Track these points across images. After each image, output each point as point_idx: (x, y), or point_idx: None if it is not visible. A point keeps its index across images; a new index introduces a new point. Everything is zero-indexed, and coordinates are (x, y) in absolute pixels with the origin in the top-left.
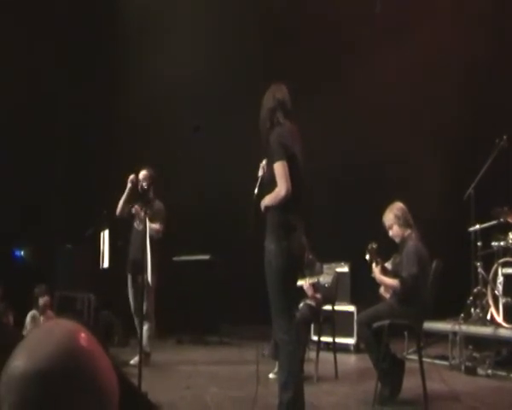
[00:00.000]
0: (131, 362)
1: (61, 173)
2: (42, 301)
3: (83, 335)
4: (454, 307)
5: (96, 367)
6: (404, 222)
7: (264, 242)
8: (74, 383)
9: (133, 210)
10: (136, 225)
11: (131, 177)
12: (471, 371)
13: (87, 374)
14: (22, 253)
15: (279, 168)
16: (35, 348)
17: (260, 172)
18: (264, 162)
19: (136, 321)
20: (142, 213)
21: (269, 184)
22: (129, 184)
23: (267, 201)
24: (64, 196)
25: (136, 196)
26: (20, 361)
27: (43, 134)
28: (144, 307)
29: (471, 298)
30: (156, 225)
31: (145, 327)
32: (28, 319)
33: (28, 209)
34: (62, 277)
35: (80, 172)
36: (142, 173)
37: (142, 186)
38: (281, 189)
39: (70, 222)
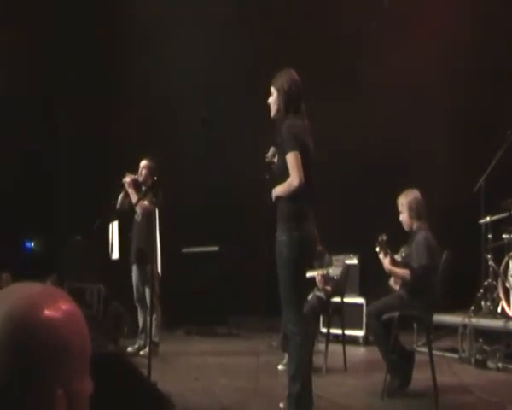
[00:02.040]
0: (141, 353)
1: (69, 164)
2: None
3: (47, 303)
4: (464, 299)
5: (49, 339)
6: (415, 214)
7: (276, 233)
8: (20, 355)
9: (126, 181)
10: (136, 216)
11: (126, 178)
12: (481, 364)
13: (36, 345)
14: (32, 244)
15: (292, 159)
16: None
17: (270, 153)
18: (269, 153)
19: (139, 311)
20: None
21: (280, 174)
22: (127, 180)
23: (279, 191)
24: (73, 187)
25: (140, 191)
26: None
27: (50, 126)
28: (151, 297)
29: (481, 291)
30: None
31: (153, 317)
32: None
33: (38, 201)
34: (72, 268)
35: (89, 163)
36: (142, 164)
37: (143, 178)
38: (293, 179)
39: (79, 213)
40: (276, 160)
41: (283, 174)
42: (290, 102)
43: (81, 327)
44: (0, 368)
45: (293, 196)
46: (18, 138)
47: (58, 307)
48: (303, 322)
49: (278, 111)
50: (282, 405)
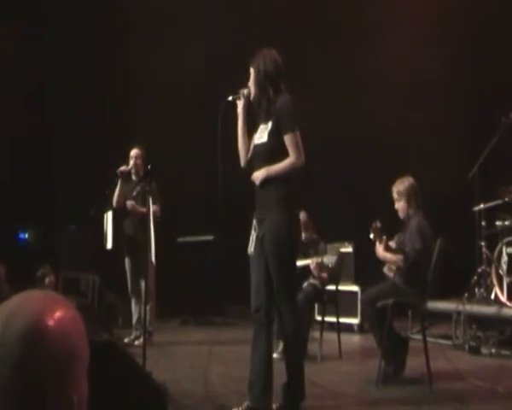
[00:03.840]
0: (136, 343)
1: (64, 154)
2: (48, 280)
3: (53, 312)
4: (458, 286)
5: (58, 348)
6: (412, 201)
7: (259, 214)
8: (30, 362)
9: (128, 206)
10: (129, 204)
11: (121, 168)
12: (475, 351)
13: (45, 355)
14: (27, 235)
15: (294, 138)
16: (5, 320)
17: (245, 91)
18: (245, 90)
19: (133, 302)
20: (139, 207)
21: (269, 154)
22: (120, 174)
23: (276, 170)
24: (67, 176)
25: (130, 181)
26: None
27: (45, 116)
28: (147, 287)
29: (475, 278)
30: (153, 207)
31: (147, 307)
32: None
33: (32, 191)
34: (66, 258)
35: (82, 152)
36: (133, 152)
37: (135, 167)
38: (297, 159)
39: (73, 203)
40: (241, 102)
41: (274, 154)
42: (268, 81)
43: (82, 330)
44: (15, 384)
45: (289, 178)
46: (12, 126)
47: (62, 315)
48: (296, 303)
49: (256, 91)
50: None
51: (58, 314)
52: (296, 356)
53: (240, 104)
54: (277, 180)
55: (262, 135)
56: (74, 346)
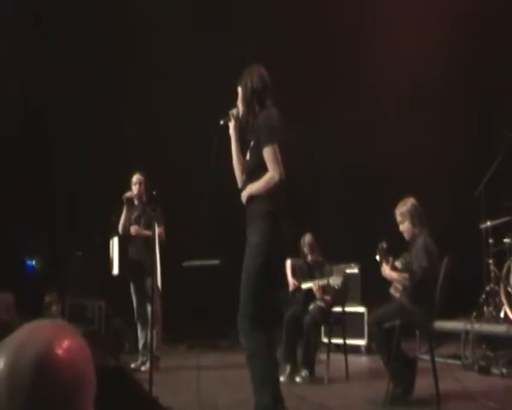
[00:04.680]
0: (142, 368)
1: (69, 180)
2: (55, 308)
3: (62, 342)
4: (466, 305)
5: (67, 377)
6: (416, 220)
7: (247, 233)
8: (40, 392)
9: (133, 231)
10: (133, 229)
11: (126, 194)
12: (485, 371)
13: (55, 384)
14: (34, 262)
15: (271, 152)
16: (16, 350)
17: (234, 111)
18: (234, 111)
19: (139, 327)
20: (143, 230)
21: (252, 171)
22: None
23: (255, 188)
24: (73, 204)
25: (133, 207)
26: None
27: (48, 140)
28: (153, 312)
29: (483, 296)
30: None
31: (154, 331)
32: None
33: (38, 219)
34: (73, 284)
35: (88, 179)
36: (135, 178)
37: (137, 193)
38: (274, 174)
39: (80, 230)
40: (232, 124)
41: (257, 170)
42: (254, 96)
43: (90, 358)
44: None
45: (271, 193)
46: (16, 151)
47: (70, 344)
48: (258, 333)
49: (244, 109)
50: None
51: (66, 343)
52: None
53: (231, 125)
54: (259, 198)
55: (249, 153)
56: (82, 374)
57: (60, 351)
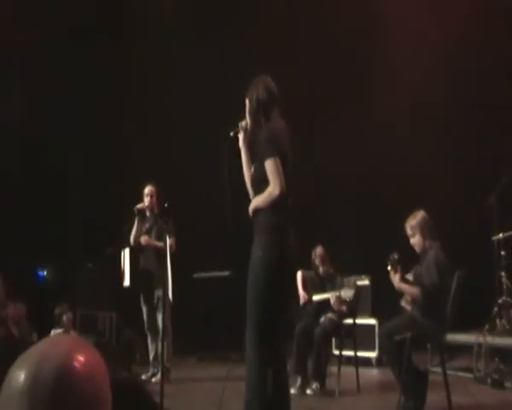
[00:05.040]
0: (153, 380)
1: (81, 192)
2: (65, 318)
3: (80, 356)
4: (478, 318)
5: (85, 391)
6: (427, 233)
7: (252, 246)
8: (60, 404)
9: (142, 241)
10: (142, 239)
11: (138, 206)
12: (497, 384)
13: (74, 397)
14: (45, 273)
15: (272, 165)
16: (36, 364)
17: (243, 123)
18: (243, 123)
19: (150, 338)
20: (153, 241)
21: (258, 183)
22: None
23: (258, 202)
24: (85, 215)
25: (145, 218)
26: (18, 375)
27: (60, 155)
28: (164, 323)
29: (496, 309)
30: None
31: (165, 343)
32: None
33: (50, 229)
34: (84, 295)
35: (100, 190)
36: (147, 190)
37: (149, 204)
38: (275, 188)
39: (91, 241)
40: (241, 136)
41: (261, 184)
42: (260, 108)
43: (106, 372)
44: None
45: (273, 206)
46: (31, 165)
47: (87, 358)
48: (265, 348)
49: (251, 121)
50: None
51: (84, 358)
52: None
53: (240, 138)
54: (262, 211)
55: (254, 166)
56: (99, 387)
57: (78, 365)
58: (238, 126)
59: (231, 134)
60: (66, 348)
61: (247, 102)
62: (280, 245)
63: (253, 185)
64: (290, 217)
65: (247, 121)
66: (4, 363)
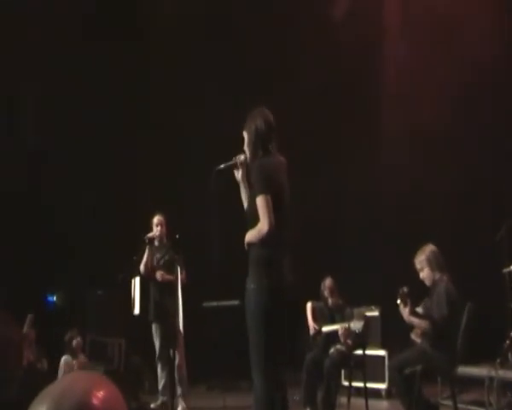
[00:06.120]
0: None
1: (91, 220)
2: (75, 342)
3: (99, 392)
4: (490, 351)
5: None
6: (435, 265)
7: (246, 279)
8: None
9: (158, 277)
10: (158, 275)
11: (148, 235)
12: None
13: None
14: (55, 298)
15: (262, 202)
16: (57, 400)
17: (242, 158)
18: (241, 157)
19: (160, 367)
20: (168, 276)
21: (252, 217)
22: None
23: (250, 237)
24: (95, 241)
25: (155, 247)
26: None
27: (72, 179)
28: (177, 355)
29: (508, 342)
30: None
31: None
32: (62, 363)
33: (60, 255)
34: (94, 322)
35: (110, 217)
36: (156, 220)
37: (159, 234)
38: (263, 225)
39: (101, 268)
40: (240, 172)
41: (254, 218)
42: (259, 141)
43: (124, 407)
44: None
45: (263, 241)
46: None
47: (106, 394)
48: (262, 380)
49: (250, 154)
50: None
51: (103, 394)
52: None
53: (238, 173)
54: (254, 245)
55: (247, 200)
56: None
57: (97, 402)
58: (233, 159)
59: (222, 166)
60: (85, 384)
61: (244, 134)
62: (271, 277)
63: (247, 219)
64: (284, 250)
65: (246, 155)
66: (27, 394)
